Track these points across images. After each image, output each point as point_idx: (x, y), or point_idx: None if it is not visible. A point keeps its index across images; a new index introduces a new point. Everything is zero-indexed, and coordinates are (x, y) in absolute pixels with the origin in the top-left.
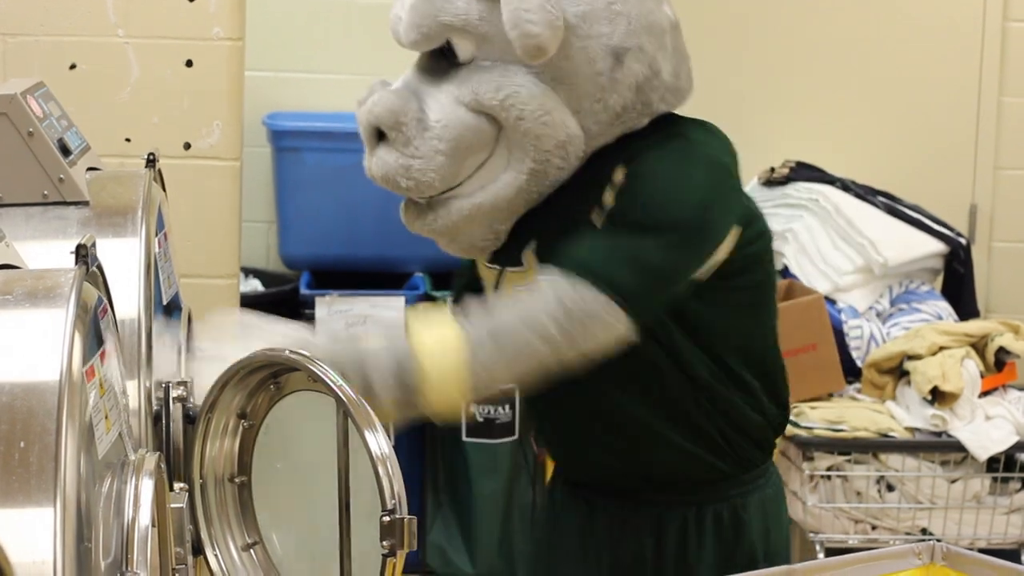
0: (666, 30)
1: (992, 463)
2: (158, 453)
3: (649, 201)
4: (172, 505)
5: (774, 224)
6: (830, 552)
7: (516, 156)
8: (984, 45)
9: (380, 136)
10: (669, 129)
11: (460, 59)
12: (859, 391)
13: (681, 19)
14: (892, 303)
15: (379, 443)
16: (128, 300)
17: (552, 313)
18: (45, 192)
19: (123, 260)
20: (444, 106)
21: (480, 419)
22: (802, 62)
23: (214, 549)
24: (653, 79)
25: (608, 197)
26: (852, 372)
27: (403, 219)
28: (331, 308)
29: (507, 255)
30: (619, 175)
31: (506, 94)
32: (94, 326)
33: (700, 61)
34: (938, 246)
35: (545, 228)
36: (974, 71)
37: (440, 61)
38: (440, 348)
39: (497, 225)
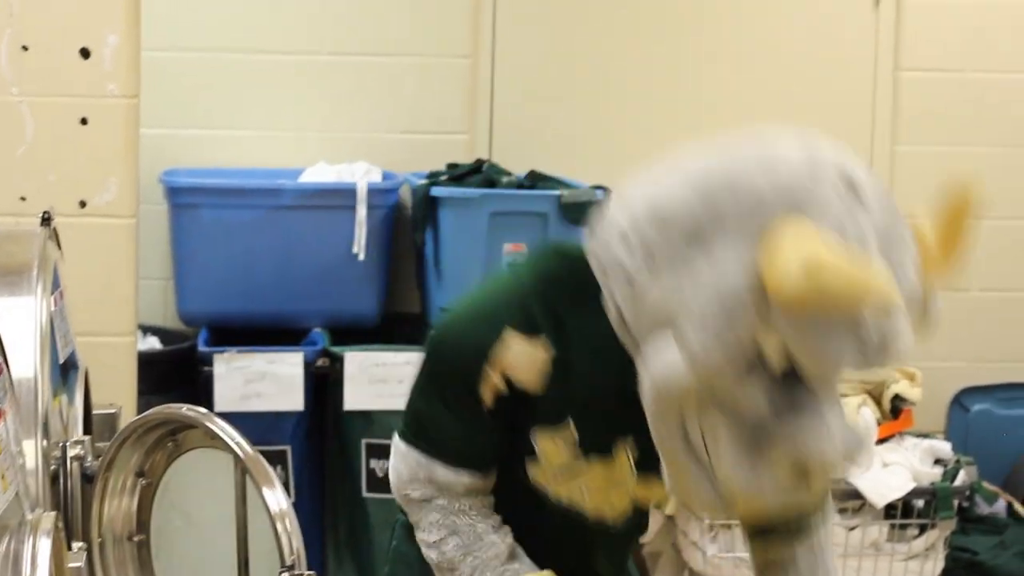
0: None
1: (890, 510)
2: (55, 512)
3: None
4: (70, 564)
5: None
6: None
7: None
8: (876, 94)
9: None
10: None
11: None
12: None
13: (576, 53)
14: None
15: (277, 499)
16: (24, 359)
17: None
18: None
19: (19, 319)
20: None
21: (380, 474)
22: (693, 109)
23: None
24: None
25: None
26: None
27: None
28: (229, 365)
29: (592, 439)
30: None
31: None
32: None
33: (598, 83)
34: None
35: (641, 427)
36: (867, 121)
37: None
38: None
39: None
